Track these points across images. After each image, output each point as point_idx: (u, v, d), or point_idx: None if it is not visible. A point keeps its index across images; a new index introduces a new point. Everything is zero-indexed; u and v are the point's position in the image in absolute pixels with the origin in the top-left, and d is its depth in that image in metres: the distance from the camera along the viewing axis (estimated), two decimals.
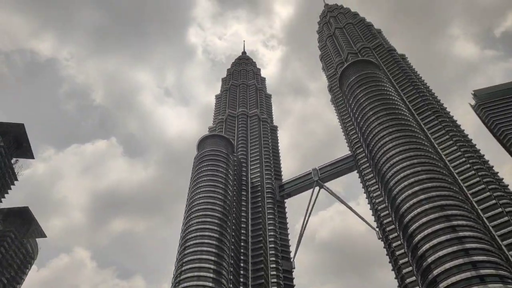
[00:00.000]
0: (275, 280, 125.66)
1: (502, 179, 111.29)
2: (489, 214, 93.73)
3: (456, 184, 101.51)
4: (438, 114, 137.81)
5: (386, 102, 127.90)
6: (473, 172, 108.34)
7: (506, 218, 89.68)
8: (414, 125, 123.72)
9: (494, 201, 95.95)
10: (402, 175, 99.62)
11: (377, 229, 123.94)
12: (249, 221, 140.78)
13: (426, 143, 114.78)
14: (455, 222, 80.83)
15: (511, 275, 72.20)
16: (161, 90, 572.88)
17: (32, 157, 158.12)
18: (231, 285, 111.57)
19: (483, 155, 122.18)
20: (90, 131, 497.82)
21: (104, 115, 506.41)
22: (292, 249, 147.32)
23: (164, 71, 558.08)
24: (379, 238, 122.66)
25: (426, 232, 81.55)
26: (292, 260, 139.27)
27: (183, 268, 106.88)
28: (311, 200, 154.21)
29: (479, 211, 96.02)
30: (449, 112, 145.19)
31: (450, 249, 76.11)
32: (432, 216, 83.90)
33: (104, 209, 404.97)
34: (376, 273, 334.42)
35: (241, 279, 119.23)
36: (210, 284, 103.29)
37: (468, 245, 75.85)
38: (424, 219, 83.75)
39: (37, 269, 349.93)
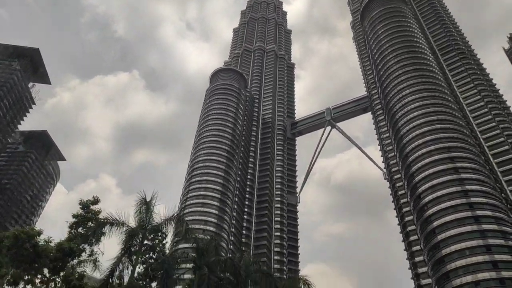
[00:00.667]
0: (278, 212, 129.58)
1: None
2: (504, 168, 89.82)
3: (470, 132, 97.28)
4: (464, 56, 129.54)
5: (407, 40, 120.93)
6: (494, 123, 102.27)
7: None
8: (434, 65, 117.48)
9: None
10: (412, 115, 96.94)
11: (384, 170, 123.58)
12: (258, 156, 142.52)
13: (443, 85, 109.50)
14: (459, 164, 79.12)
15: (508, 218, 71.56)
16: (183, 23, 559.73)
17: (49, 83, 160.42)
18: (234, 213, 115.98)
19: (510, 107, 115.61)
20: (112, 63, 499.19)
21: (125, 47, 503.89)
22: (299, 185, 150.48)
23: (186, 3, 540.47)
24: (385, 178, 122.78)
25: (427, 172, 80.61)
26: (297, 195, 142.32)
27: (189, 195, 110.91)
28: (321, 139, 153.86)
29: (494, 165, 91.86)
30: (479, 57, 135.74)
31: (449, 190, 75.26)
32: (436, 157, 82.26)
33: (127, 140, 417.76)
34: (387, 216, 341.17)
35: (246, 209, 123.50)
36: (214, 211, 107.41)
37: (468, 187, 74.74)
38: (427, 160, 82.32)
39: (67, 192, 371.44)
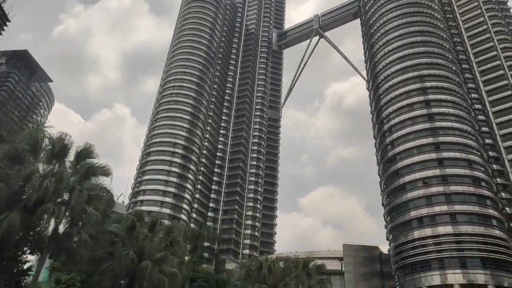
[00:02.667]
0: (257, 126, 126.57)
1: None
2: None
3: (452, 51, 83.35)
4: None
5: None
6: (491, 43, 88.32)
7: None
8: None
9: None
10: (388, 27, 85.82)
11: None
12: (238, 70, 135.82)
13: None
14: (428, 84, 70.96)
15: (471, 136, 65.85)
16: None
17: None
18: (208, 128, 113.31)
19: None
20: None
21: None
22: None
23: None
24: (367, 89, 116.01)
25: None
26: (279, 109, 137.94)
27: (160, 108, 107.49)
28: (307, 50, 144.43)
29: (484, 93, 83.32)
30: None
31: (413, 113, 68.78)
32: (404, 77, 73.77)
33: (136, 68, 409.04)
34: None
35: (223, 124, 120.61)
36: (184, 134, 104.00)
37: (434, 109, 67.76)
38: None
39: (84, 122, 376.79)
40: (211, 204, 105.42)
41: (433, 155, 61.76)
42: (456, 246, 53.47)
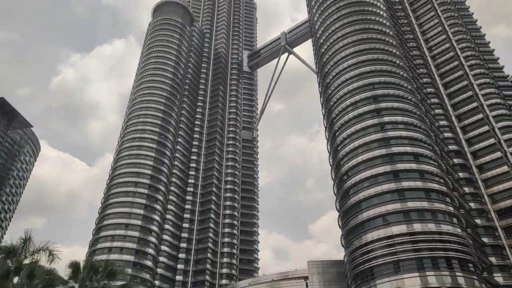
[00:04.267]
0: (231, 149, 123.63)
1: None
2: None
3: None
4: None
5: None
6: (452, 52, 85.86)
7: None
8: None
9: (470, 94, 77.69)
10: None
11: None
12: (208, 94, 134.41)
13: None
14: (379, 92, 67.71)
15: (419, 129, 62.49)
16: None
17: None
18: (178, 152, 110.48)
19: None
20: (105, 32, 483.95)
21: (115, 13, 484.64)
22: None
23: None
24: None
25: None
26: (254, 130, 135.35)
27: (125, 138, 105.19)
28: (276, 68, 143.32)
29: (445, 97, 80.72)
30: None
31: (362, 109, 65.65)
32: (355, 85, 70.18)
33: None
34: None
35: (194, 149, 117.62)
36: (153, 154, 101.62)
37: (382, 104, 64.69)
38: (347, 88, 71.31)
39: (89, 168, 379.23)
40: (183, 234, 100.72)
41: (383, 151, 58.37)
42: (411, 246, 48.92)
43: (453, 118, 75.48)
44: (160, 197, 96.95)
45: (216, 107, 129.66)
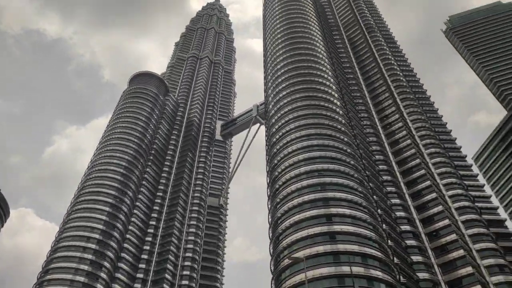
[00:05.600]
0: (195, 215, 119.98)
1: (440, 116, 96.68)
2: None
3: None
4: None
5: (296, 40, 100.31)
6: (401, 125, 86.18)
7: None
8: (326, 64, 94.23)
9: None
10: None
11: None
12: (176, 159, 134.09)
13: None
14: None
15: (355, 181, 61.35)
16: (166, 59, 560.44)
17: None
18: (135, 216, 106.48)
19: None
20: (104, 107, 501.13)
21: (114, 90, 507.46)
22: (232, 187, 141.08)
23: (167, 40, 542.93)
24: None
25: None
26: (221, 197, 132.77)
27: (78, 200, 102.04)
28: (247, 137, 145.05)
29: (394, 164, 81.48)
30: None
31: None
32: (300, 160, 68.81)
33: None
34: None
35: (154, 215, 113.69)
36: (104, 218, 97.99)
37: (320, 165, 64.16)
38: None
39: None
40: None
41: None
42: None
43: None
44: (107, 264, 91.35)
45: (182, 173, 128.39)
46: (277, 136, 75.53)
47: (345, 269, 47.58)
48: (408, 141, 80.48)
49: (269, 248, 59.90)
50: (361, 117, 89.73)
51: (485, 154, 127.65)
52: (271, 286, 55.92)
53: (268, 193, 70.00)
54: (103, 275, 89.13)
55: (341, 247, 51.17)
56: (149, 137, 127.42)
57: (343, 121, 75.49)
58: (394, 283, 49.30)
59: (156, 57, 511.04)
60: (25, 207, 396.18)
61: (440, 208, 65.85)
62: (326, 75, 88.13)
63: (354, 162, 66.72)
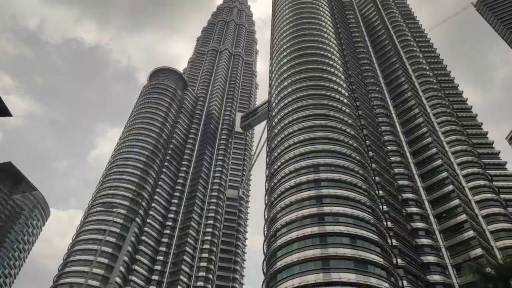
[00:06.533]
0: (213, 207, 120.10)
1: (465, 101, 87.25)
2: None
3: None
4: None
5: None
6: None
7: None
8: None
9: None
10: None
11: None
12: (195, 152, 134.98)
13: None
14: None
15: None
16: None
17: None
18: (153, 210, 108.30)
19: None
20: None
21: None
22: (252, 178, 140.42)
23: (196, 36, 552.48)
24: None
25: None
26: (239, 188, 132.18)
27: (99, 194, 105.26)
28: (265, 129, 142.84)
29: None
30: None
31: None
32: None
33: None
34: None
35: (172, 208, 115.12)
36: (124, 212, 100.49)
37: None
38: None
39: None
40: None
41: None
42: None
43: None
44: (125, 258, 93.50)
45: (200, 166, 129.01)
46: (278, 127, 72.48)
47: (331, 250, 45.16)
48: (425, 129, 74.28)
49: (263, 246, 57.89)
50: (373, 105, 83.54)
51: None
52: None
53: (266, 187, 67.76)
54: (121, 268, 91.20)
55: (329, 228, 48.61)
56: (167, 132, 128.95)
57: (347, 110, 70.32)
58: (386, 265, 46.15)
59: (188, 55, 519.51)
60: (74, 209, 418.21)
61: (450, 187, 61.07)
62: (333, 68, 79.61)
63: (356, 143, 63.34)
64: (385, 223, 53.54)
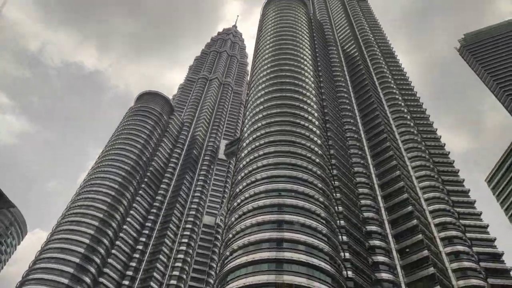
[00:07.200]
0: (187, 233, 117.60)
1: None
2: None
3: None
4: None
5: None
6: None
7: None
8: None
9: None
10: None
11: None
12: (175, 177, 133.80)
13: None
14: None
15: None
16: None
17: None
18: (124, 232, 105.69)
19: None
20: None
21: None
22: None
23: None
24: None
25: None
26: (217, 215, 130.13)
27: (68, 213, 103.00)
28: None
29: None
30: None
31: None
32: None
33: None
34: None
35: (145, 231, 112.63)
36: (92, 232, 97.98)
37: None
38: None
39: None
40: None
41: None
42: None
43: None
44: (88, 280, 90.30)
45: (179, 190, 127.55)
46: (245, 157, 71.97)
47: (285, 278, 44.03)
48: (394, 162, 73.96)
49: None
50: (347, 136, 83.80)
51: (498, 175, 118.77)
52: None
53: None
54: None
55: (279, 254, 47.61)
56: (147, 155, 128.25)
57: (315, 138, 69.55)
58: (334, 272, 45.03)
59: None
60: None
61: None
62: (306, 103, 78.45)
63: (320, 171, 63.05)
64: (342, 254, 52.39)
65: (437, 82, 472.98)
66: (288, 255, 47.94)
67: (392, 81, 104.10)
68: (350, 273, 50.67)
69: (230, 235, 56.56)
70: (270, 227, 52.38)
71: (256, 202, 57.21)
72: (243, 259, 48.96)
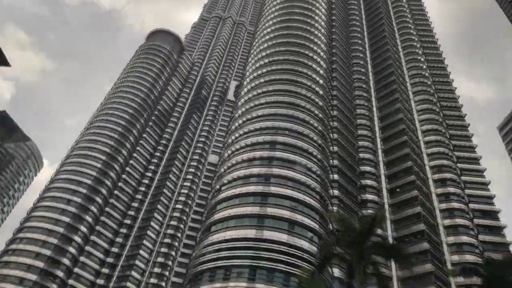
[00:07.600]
0: (192, 170, 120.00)
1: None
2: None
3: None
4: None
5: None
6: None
7: None
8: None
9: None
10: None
11: None
12: (182, 117, 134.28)
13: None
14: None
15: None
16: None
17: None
18: (130, 166, 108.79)
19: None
20: None
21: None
22: None
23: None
24: None
25: None
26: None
27: (77, 146, 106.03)
28: None
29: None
30: None
31: None
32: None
33: None
34: None
35: (151, 167, 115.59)
36: (99, 165, 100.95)
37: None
38: None
39: None
40: (113, 249, 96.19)
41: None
42: (250, 253, 41.98)
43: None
44: (94, 209, 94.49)
45: (186, 129, 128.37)
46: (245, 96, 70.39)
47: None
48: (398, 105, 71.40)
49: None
50: (354, 78, 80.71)
51: (510, 123, 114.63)
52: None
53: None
54: (83, 228, 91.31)
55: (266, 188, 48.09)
56: (156, 94, 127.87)
57: (317, 78, 66.80)
58: (320, 231, 45.52)
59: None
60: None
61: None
62: (314, 41, 73.97)
63: (318, 111, 61.74)
64: (331, 191, 52.57)
65: (472, 31, 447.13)
66: (274, 189, 48.42)
67: (411, 21, 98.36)
68: (335, 208, 51.12)
69: (222, 170, 57.45)
70: (260, 163, 52.63)
71: (250, 139, 57.11)
72: (230, 192, 49.80)
